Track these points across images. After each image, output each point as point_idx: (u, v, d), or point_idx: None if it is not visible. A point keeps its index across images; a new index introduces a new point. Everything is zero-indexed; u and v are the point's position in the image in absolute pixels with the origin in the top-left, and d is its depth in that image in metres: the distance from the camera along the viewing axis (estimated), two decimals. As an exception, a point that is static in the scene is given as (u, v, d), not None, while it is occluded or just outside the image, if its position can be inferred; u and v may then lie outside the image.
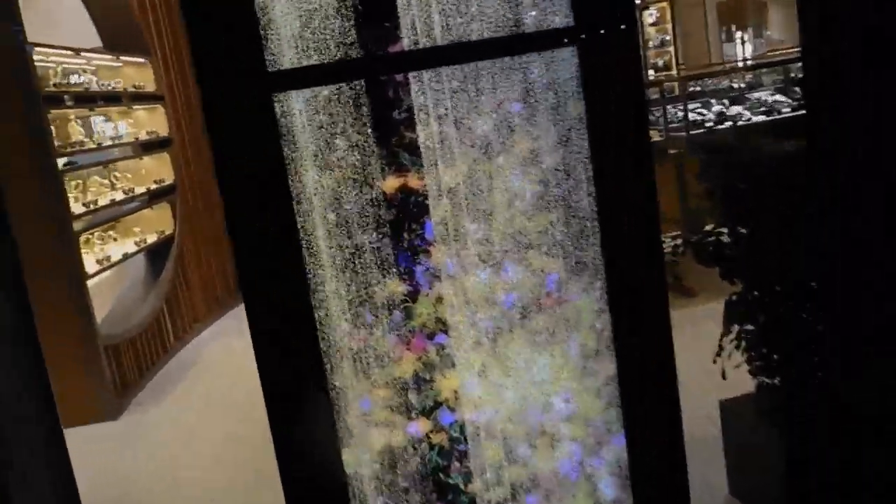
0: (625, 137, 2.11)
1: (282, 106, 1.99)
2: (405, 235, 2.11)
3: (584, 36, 2.09)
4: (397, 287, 2.12)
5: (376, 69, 2.05)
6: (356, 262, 2.08)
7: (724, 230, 2.54)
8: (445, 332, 2.17)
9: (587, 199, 2.20)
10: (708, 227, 2.71)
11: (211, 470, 4.09)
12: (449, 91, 2.08)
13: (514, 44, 2.11)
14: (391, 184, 2.08)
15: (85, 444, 4.69)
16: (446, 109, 2.08)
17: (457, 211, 2.12)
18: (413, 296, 2.14)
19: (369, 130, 2.04)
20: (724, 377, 2.66)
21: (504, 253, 2.18)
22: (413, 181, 2.10)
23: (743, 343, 2.58)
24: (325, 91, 2.02)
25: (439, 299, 2.16)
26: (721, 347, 2.62)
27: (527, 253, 2.19)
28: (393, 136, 2.07)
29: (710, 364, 2.77)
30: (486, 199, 2.14)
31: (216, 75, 1.92)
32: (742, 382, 2.82)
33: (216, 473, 4.04)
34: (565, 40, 2.10)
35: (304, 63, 1.99)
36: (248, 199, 1.98)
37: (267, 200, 1.99)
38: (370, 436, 2.18)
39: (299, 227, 2.03)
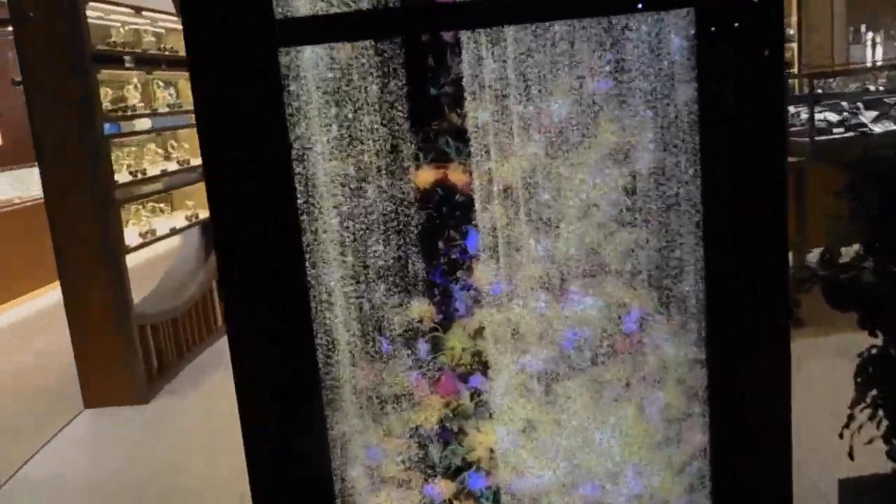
0: (750, 138, 1.55)
1: (289, 67, 1.52)
2: (440, 245, 1.61)
3: (704, -6, 1.54)
4: (425, 311, 1.63)
5: (416, 24, 1.55)
6: (374, 275, 1.60)
7: (866, 265, 1.94)
8: (484, 373, 1.67)
9: (689, 213, 1.65)
10: (838, 259, 2.10)
11: (225, 466, 3.71)
12: (513, 60, 1.57)
13: (607, 1, 1.57)
14: (426, 177, 1.59)
15: (105, 428, 4.42)
16: (507, 84, 1.57)
17: (511, 218, 1.61)
18: (445, 324, 1.64)
19: (402, 106, 1.55)
20: (851, 457, 2.06)
21: (571, 278, 1.66)
22: (455, 176, 1.60)
23: (880, 413, 1.98)
24: (347, 49, 1.54)
25: (479, 331, 1.66)
26: (851, 418, 2.02)
27: (601, 280, 1.66)
28: (433, 116, 1.57)
29: (825, 422, 2.17)
30: (553, 205, 1.62)
31: (204, 19, 1.47)
32: (870, 453, 2.20)
33: (228, 470, 3.67)
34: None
35: (321, 11, 1.51)
36: (240, 191, 1.53)
37: (263, 192, 1.53)
38: (378, 497, 1.70)
39: (303, 227, 1.57)
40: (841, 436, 2.03)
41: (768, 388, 1.70)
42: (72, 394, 4.60)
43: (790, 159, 4.00)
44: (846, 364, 2.17)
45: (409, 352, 1.64)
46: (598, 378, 1.70)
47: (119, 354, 4.39)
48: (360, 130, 1.54)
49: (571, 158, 1.61)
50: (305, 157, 1.54)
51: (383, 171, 1.56)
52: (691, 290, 1.68)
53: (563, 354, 1.68)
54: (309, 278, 1.57)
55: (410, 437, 1.67)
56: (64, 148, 4.23)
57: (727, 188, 1.60)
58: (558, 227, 1.63)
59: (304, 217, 1.56)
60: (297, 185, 1.54)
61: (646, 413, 1.72)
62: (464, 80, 1.56)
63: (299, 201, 1.55)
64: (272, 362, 1.58)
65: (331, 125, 1.54)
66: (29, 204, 7.20)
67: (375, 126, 1.55)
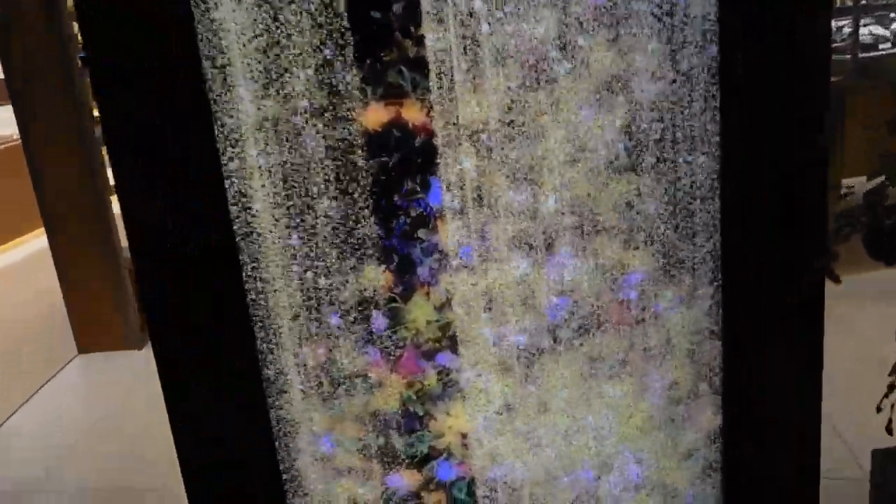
0: (782, 59, 1.23)
1: (199, -22, 1.22)
2: (396, 200, 1.33)
3: None
4: (380, 278, 1.37)
5: (357, -80, 1.23)
6: (317, 237, 1.34)
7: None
8: (453, 349, 1.42)
9: (702, 157, 1.35)
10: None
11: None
12: (485, -34, 1.25)
13: None
14: (376, 118, 1.30)
15: (98, 374, 4.30)
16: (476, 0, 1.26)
17: (483, 165, 1.32)
18: (405, 294, 1.38)
19: (343, 29, 1.25)
20: (889, 432, 1.80)
21: (556, 236, 1.37)
22: (412, 115, 1.30)
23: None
24: (270, -45, 1.23)
25: (446, 301, 1.39)
26: (892, 388, 1.75)
27: (594, 238, 1.38)
28: (382, 42, 1.27)
29: (863, 379, 1.90)
30: (533, 148, 1.32)
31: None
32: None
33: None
34: None
35: None
36: (147, 131, 1.25)
37: (175, 133, 1.25)
38: (332, 491, 1.48)
39: (227, 177, 1.29)
40: (879, 409, 1.77)
41: (795, 365, 1.43)
42: (65, 340, 4.47)
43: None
44: (886, 310, 1.89)
45: (364, 326, 1.38)
46: (590, 354, 1.44)
47: (109, 300, 4.22)
48: (292, 61, 1.25)
49: (556, 91, 1.30)
50: (225, 95, 1.26)
51: (323, 112, 1.27)
52: (704, 249, 1.40)
53: (547, 326, 1.42)
54: (238, 241, 1.31)
55: (369, 422, 1.44)
56: (43, 83, 3.96)
57: (753, 125, 1.29)
58: (540, 174, 1.34)
59: (228, 166, 1.28)
60: (216, 129, 1.26)
61: (646, 394, 1.46)
62: (421, -6, 1.25)
63: (220, 148, 1.27)
64: (200, 338, 1.34)
65: (255, 56, 1.25)
66: (8, 145, 6.91)
67: (310, 55, 1.25)
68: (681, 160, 1.34)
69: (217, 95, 1.25)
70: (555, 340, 1.43)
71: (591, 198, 1.36)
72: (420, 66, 1.27)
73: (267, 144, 1.28)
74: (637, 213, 1.37)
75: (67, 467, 3.51)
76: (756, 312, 1.40)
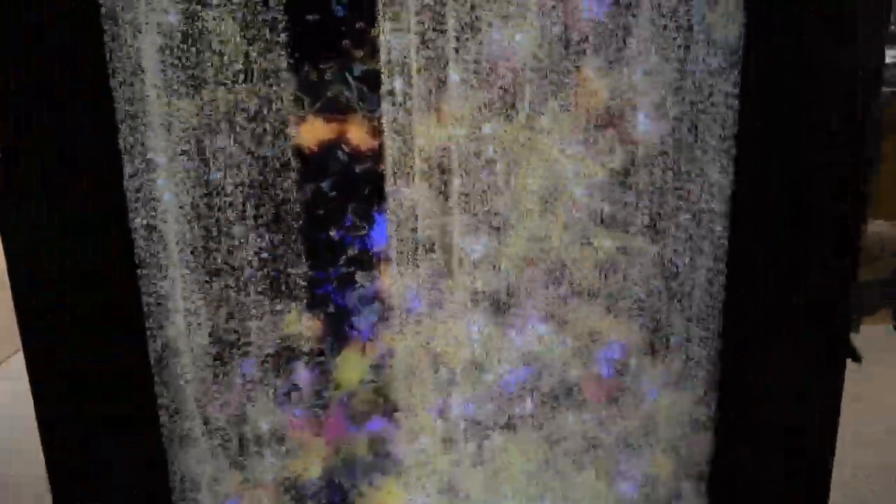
0: (817, 79, 0.99)
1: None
2: (332, 234, 1.11)
3: None
4: (306, 326, 1.14)
5: None
6: (232, 271, 1.11)
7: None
8: (389, 415, 1.19)
9: (709, 213, 1.11)
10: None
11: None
12: (461, -38, 1.02)
13: None
14: (313, 135, 1.07)
15: None
16: (442, 1, 1.02)
17: (441, 203, 1.09)
18: (336, 345, 1.16)
19: (278, 29, 1.02)
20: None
21: (523, 292, 1.14)
22: (358, 135, 1.07)
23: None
24: (193, -73, 1.00)
25: (383, 358, 1.17)
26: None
27: (569, 300, 1.15)
28: (326, 45, 1.04)
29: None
30: (504, 188, 1.09)
31: None
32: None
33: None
34: None
35: None
36: (35, 143, 1.03)
37: (68, 147, 1.03)
38: (236, 564, 1.27)
39: (131, 201, 1.07)
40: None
41: (809, 466, 1.19)
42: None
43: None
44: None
45: (283, 380, 1.16)
46: (551, 434, 1.20)
47: None
48: (213, 65, 1.02)
49: (537, 120, 1.07)
50: (133, 104, 1.03)
51: (248, 126, 1.05)
52: (701, 319, 1.16)
53: (503, 397, 1.19)
54: (141, 272, 1.09)
55: (285, 490, 1.22)
56: None
57: (777, 158, 1.05)
58: (510, 221, 1.10)
59: (132, 186, 1.06)
60: (120, 140, 1.04)
61: (616, 487, 1.23)
62: (377, -10, 1.02)
63: (126, 164, 1.05)
64: (88, 379, 1.13)
65: (169, 58, 1.02)
66: None
67: (234, 58, 1.02)
68: (680, 217, 1.10)
69: (125, 103, 1.03)
70: (512, 415, 1.19)
71: (568, 252, 1.12)
72: (370, 76, 1.04)
73: (179, 157, 1.06)
74: (623, 276, 1.13)
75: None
76: (762, 398, 1.16)
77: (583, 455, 1.21)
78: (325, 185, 1.08)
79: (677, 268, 1.13)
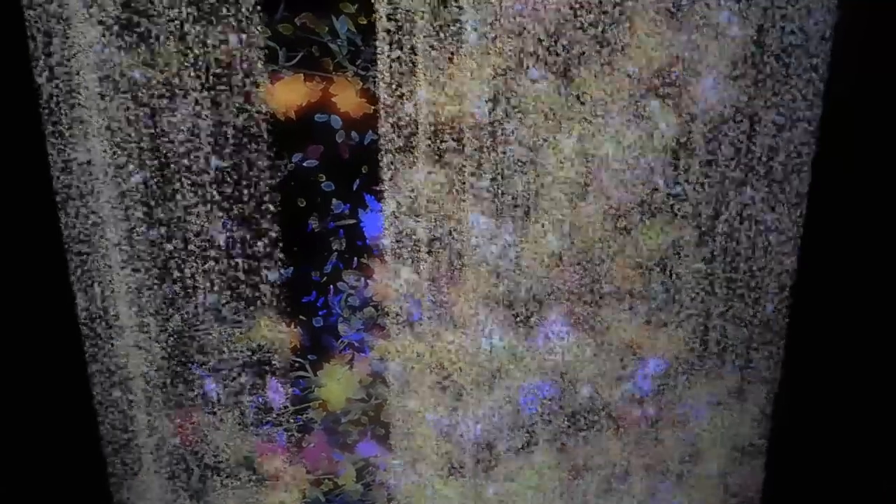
0: None
1: None
2: (313, 226, 0.89)
3: None
4: (280, 334, 0.93)
5: None
6: (189, 267, 0.89)
7: None
8: (383, 437, 0.99)
9: (774, 199, 0.90)
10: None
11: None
12: None
13: None
14: (288, 96, 0.84)
15: None
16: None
17: (449, 185, 0.88)
18: (317, 358, 0.95)
19: (243, -51, 0.79)
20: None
21: (547, 296, 0.93)
22: (345, 97, 0.85)
23: None
24: None
25: (377, 372, 0.96)
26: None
27: (601, 306, 0.94)
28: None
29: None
30: (528, 168, 0.87)
31: None
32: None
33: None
34: None
35: None
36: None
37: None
38: None
39: (60, 197, 0.84)
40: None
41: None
42: None
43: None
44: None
45: (253, 398, 0.95)
46: (575, 460, 1.01)
47: None
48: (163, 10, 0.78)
49: (571, 84, 0.85)
50: (64, 59, 0.80)
51: (209, 84, 0.82)
52: (762, 328, 0.96)
53: (519, 418, 0.99)
54: (74, 272, 0.87)
55: (257, 524, 1.02)
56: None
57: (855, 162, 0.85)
58: (533, 207, 0.89)
59: (60, 159, 0.83)
60: (46, 104, 0.81)
61: (650, 522, 1.04)
62: None
63: (52, 137, 0.82)
64: (16, 406, 0.91)
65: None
66: None
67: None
68: (748, 207, 0.90)
69: (46, 52, 0.79)
70: (531, 439, 1.00)
71: (604, 247, 0.91)
72: (363, 26, 0.82)
73: (120, 123, 0.83)
74: (670, 278, 0.93)
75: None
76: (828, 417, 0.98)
77: (614, 485, 1.02)
78: (304, 162, 0.86)
79: (736, 267, 0.93)
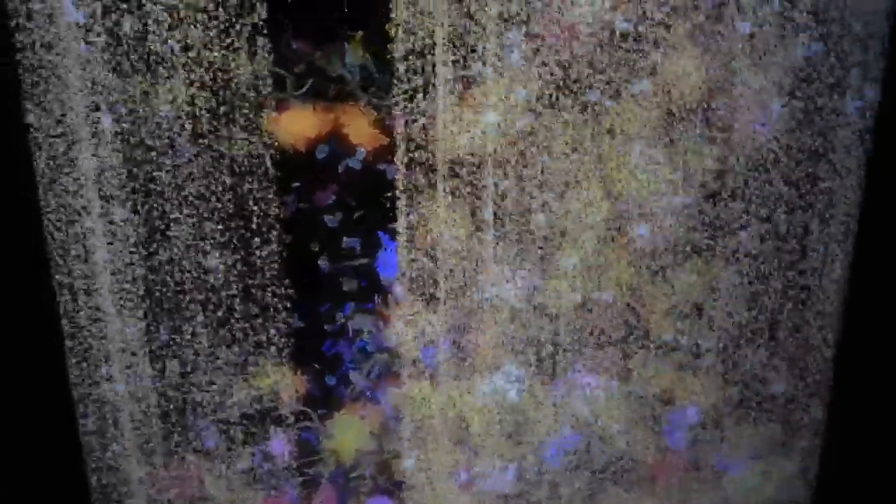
0: None
1: None
2: (321, 263, 0.83)
3: None
4: (285, 381, 0.86)
5: None
6: (186, 309, 0.83)
7: None
8: (395, 493, 0.92)
9: (823, 228, 0.83)
10: None
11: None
12: None
13: None
14: (297, 126, 0.78)
15: None
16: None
17: (472, 222, 0.81)
18: (326, 407, 0.88)
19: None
20: None
21: (573, 343, 0.86)
22: (359, 127, 0.79)
23: None
24: None
25: (389, 422, 0.89)
26: None
27: (630, 352, 0.87)
28: (317, 7, 0.75)
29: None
30: (552, 202, 0.81)
31: None
32: None
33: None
34: None
35: None
36: None
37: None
38: None
39: (48, 231, 0.78)
40: None
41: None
42: None
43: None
44: None
45: (256, 450, 0.88)
46: (604, 518, 0.94)
47: None
48: (162, 25, 0.73)
49: (601, 114, 0.78)
50: (47, 82, 0.74)
51: (211, 113, 0.76)
52: (806, 375, 0.89)
53: (542, 470, 0.92)
54: (64, 312, 0.81)
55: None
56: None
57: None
58: (556, 245, 0.83)
59: (49, 195, 0.77)
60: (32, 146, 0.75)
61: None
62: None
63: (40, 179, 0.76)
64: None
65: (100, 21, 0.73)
66: None
67: (192, 20, 0.73)
68: (792, 248, 0.83)
69: (35, 84, 0.74)
70: (555, 493, 0.92)
71: (635, 290, 0.85)
72: (379, 52, 0.76)
73: (114, 153, 0.77)
74: (706, 322, 0.86)
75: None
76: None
77: (642, 545, 0.94)
78: (314, 196, 0.80)
79: (778, 311, 0.86)
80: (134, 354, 0.84)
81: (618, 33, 0.75)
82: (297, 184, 0.80)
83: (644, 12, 0.75)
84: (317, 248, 0.83)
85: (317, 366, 0.86)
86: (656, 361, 0.89)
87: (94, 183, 0.76)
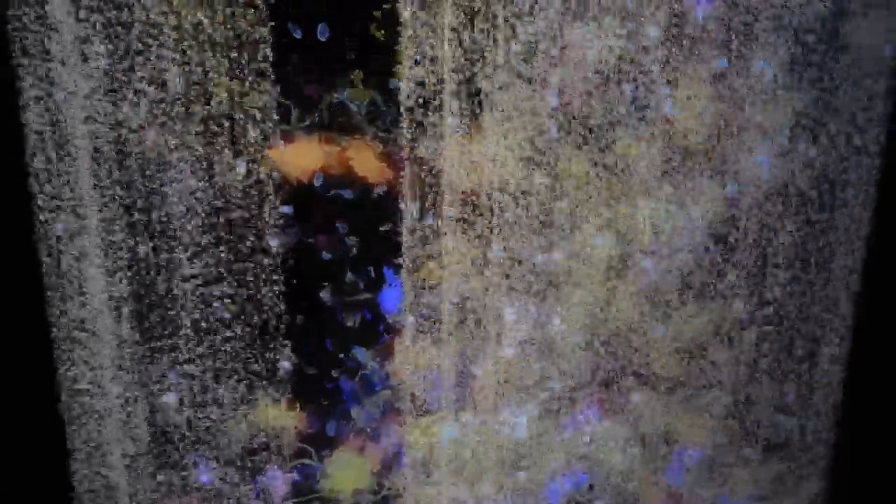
0: None
1: None
2: (323, 297, 0.81)
3: None
4: (284, 417, 0.84)
5: None
6: (185, 342, 0.81)
7: None
8: (394, 532, 0.90)
9: (829, 270, 0.83)
10: None
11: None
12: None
13: None
14: (301, 160, 0.77)
15: None
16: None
17: (476, 258, 0.80)
18: (325, 444, 0.86)
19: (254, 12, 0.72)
20: None
21: (577, 380, 0.85)
22: (365, 161, 0.78)
23: None
24: None
25: (392, 459, 0.87)
26: None
27: (633, 391, 0.86)
28: (323, 39, 0.74)
29: None
30: (560, 241, 0.80)
31: None
32: None
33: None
34: None
35: None
36: None
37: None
38: None
39: (45, 266, 0.76)
40: None
41: None
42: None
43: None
44: None
45: (253, 487, 0.86)
46: (607, 561, 0.92)
47: None
48: (162, 57, 0.71)
49: (608, 155, 0.78)
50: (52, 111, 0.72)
51: (211, 146, 0.74)
52: (813, 418, 0.88)
53: (547, 512, 0.90)
54: (60, 349, 0.79)
55: None
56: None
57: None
58: (563, 286, 0.81)
59: (51, 226, 0.76)
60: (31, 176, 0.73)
61: None
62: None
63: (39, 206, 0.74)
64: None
65: (98, 42, 0.71)
66: None
67: (194, 49, 0.72)
68: (800, 291, 0.82)
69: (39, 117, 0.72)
70: (556, 535, 0.91)
71: (641, 330, 0.83)
72: (385, 85, 0.75)
73: (109, 185, 0.75)
74: (710, 363, 0.85)
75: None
76: None
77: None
78: (317, 230, 0.79)
79: (785, 353, 0.85)
80: (130, 386, 0.82)
81: (624, 74, 0.75)
82: (299, 216, 0.78)
83: (651, 54, 0.74)
84: (318, 281, 0.82)
85: (317, 402, 0.84)
86: (661, 400, 0.87)
87: (92, 213, 0.74)
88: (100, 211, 0.75)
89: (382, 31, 0.71)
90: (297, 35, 0.73)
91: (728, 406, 0.88)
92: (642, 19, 0.74)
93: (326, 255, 0.80)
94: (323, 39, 0.73)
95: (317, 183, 0.78)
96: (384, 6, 0.71)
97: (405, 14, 0.70)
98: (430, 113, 0.75)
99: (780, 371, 0.86)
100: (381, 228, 0.80)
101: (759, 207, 0.80)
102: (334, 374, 0.84)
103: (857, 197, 0.80)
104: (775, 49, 0.75)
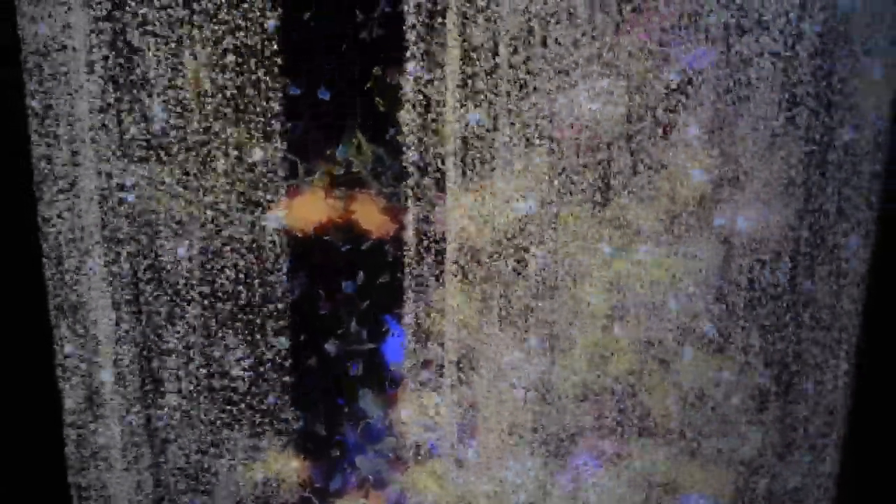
0: None
1: None
2: (327, 348, 0.82)
3: None
4: (289, 468, 0.85)
5: None
6: (193, 393, 0.82)
7: None
8: (398, 583, 0.90)
9: (828, 324, 0.84)
10: None
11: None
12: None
13: None
14: (307, 213, 0.79)
15: None
16: (495, 36, 0.75)
17: (478, 310, 0.81)
18: (330, 494, 0.86)
19: (269, 64, 0.74)
20: None
21: (577, 430, 0.86)
22: (369, 214, 0.79)
23: None
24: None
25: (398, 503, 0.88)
26: None
27: (634, 440, 0.86)
28: (331, 91, 0.76)
29: None
30: (562, 289, 0.81)
31: None
32: None
33: None
34: None
35: None
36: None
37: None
38: None
39: (53, 305, 0.78)
40: None
41: None
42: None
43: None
44: None
45: (257, 537, 0.86)
46: None
47: None
48: (173, 115, 0.74)
49: (608, 207, 0.79)
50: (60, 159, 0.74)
51: (214, 194, 0.76)
52: (818, 467, 0.88)
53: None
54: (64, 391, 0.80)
55: None
56: None
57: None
58: (568, 338, 0.82)
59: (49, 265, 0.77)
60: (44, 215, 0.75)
61: None
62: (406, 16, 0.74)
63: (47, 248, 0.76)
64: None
65: (112, 106, 0.74)
66: None
67: (200, 99, 0.74)
68: (797, 340, 0.83)
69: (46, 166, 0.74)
70: (559, 586, 0.90)
71: (641, 379, 0.84)
72: (391, 141, 0.77)
73: (119, 242, 0.77)
74: (711, 411, 0.86)
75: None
76: None
77: None
78: (322, 281, 0.80)
79: (787, 402, 0.85)
80: (135, 434, 0.83)
81: (627, 131, 0.76)
82: (305, 268, 0.80)
83: (651, 113, 0.76)
84: (321, 331, 0.83)
85: (321, 451, 0.85)
86: (661, 449, 0.88)
87: (100, 269, 0.76)
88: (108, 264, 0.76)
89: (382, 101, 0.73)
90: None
91: (729, 454, 0.88)
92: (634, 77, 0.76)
93: (328, 307, 0.81)
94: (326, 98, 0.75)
95: (328, 240, 0.80)
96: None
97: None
98: (434, 172, 0.77)
99: (780, 421, 0.87)
100: (381, 280, 0.81)
101: (755, 260, 0.81)
102: (338, 423, 0.85)
103: (855, 248, 0.81)
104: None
